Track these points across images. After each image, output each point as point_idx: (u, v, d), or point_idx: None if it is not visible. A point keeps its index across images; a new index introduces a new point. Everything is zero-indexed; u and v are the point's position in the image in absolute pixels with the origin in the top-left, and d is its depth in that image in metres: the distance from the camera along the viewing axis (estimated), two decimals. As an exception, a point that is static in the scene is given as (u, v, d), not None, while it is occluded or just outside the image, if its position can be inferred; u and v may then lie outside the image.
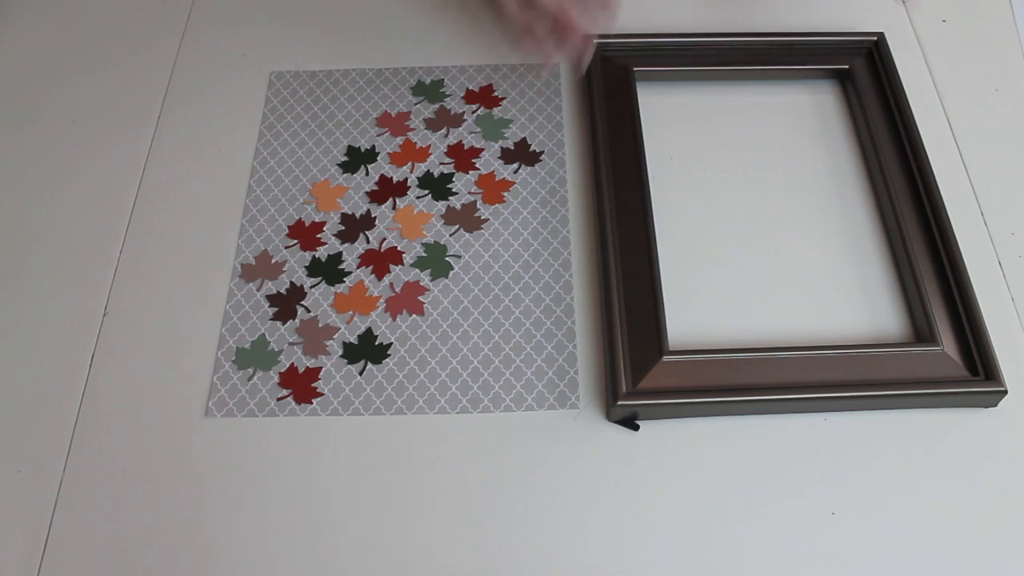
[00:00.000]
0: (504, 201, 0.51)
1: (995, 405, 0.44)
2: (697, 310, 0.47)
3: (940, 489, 0.42)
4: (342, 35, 0.59)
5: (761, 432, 0.43)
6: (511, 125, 0.54)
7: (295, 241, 0.50)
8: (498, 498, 0.42)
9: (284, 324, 0.47)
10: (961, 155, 0.53)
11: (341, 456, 0.43)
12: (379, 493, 0.42)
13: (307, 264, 0.49)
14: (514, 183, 0.52)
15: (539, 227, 0.50)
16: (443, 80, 0.57)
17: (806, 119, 0.55)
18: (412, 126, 0.55)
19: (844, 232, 0.50)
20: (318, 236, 0.50)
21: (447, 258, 0.49)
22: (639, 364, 0.44)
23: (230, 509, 0.42)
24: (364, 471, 0.43)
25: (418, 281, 0.48)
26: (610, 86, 0.53)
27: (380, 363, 0.46)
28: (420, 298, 0.48)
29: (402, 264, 0.49)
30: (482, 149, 0.54)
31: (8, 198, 0.53)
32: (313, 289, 0.48)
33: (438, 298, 0.48)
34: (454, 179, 0.52)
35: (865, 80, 0.54)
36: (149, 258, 0.50)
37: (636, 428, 0.43)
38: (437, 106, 0.56)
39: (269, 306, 0.48)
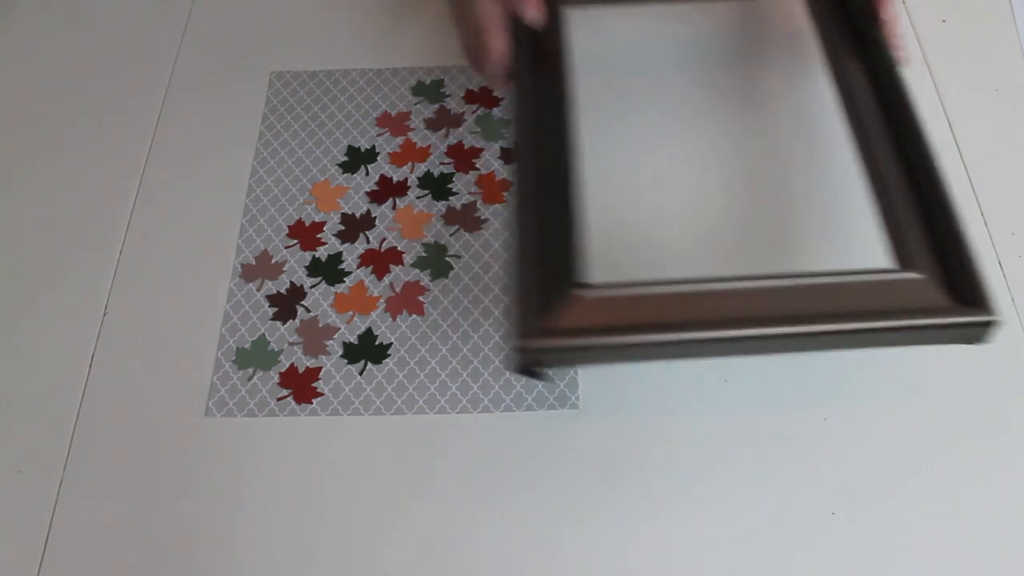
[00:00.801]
0: (504, 201, 0.51)
1: (985, 340, 0.38)
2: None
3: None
4: (342, 35, 0.59)
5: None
6: (511, 125, 0.54)
7: (295, 241, 0.50)
8: (498, 498, 0.42)
9: (284, 324, 0.47)
10: (961, 155, 0.52)
11: (341, 456, 0.43)
12: (379, 493, 0.42)
13: (307, 264, 0.49)
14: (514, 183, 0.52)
15: (539, 227, 0.50)
16: (443, 80, 0.57)
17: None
18: (412, 126, 0.55)
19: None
20: (318, 236, 0.50)
21: (447, 258, 0.49)
22: (552, 302, 0.37)
23: (230, 509, 0.42)
24: (364, 471, 0.43)
25: (418, 281, 0.48)
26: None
27: (380, 363, 0.46)
28: (420, 298, 0.48)
29: (402, 264, 0.49)
30: (482, 149, 0.54)
31: (8, 198, 0.53)
32: (313, 289, 0.48)
33: (438, 298, 0.48)
34: (454, 179, 0.52)
35: None
36: (149, 258, 0.50)
37: (541, 378, 0.38)
38: (437, 106, 0.56)
39: (269, 306, 0.48)
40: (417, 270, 0.49)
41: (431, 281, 0.48)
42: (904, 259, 0.39)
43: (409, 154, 0.53)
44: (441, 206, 0.51)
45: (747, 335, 0.36)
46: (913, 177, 0.41)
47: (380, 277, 0.49)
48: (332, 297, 0.48)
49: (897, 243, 0.39)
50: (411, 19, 0.55)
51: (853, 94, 0.46)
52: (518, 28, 0.47)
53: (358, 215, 0.51)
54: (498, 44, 0.47)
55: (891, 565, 0.40)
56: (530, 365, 0.37)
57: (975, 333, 0.38)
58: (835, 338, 0.37)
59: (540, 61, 0.47)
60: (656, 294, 0.37)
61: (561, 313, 0.36)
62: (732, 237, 0.46)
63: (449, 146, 0.54)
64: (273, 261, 0.49)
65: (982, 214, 0.50)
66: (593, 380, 0.45)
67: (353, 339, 0.47)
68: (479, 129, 0.54)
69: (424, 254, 0.49)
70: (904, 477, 0.42)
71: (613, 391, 0.44)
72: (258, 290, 0.49)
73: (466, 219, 0.51)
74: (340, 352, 0.46)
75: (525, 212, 0.39)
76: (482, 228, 0.50)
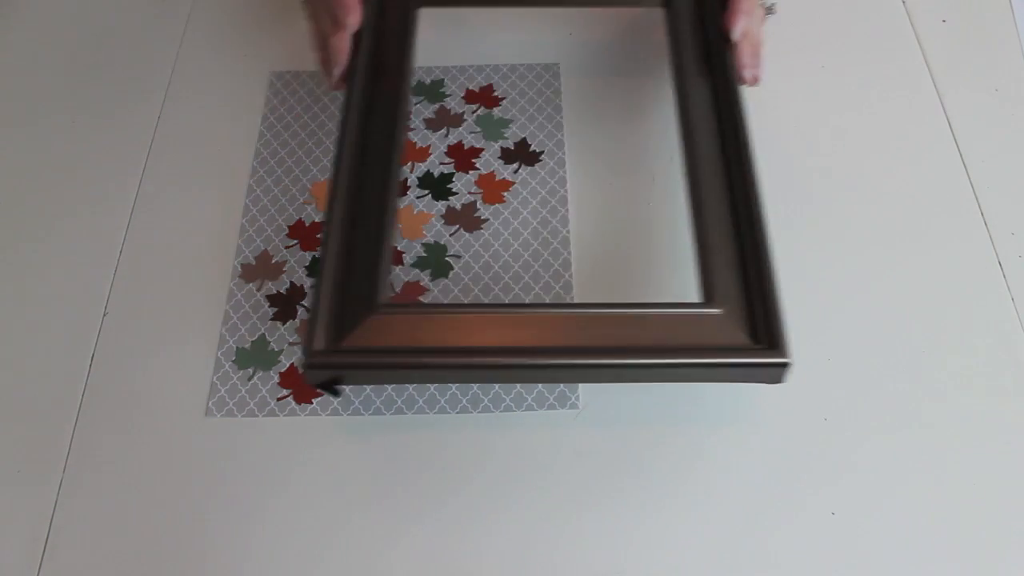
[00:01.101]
0: (504, 201, 0.51)
1: (780, 380, 0.38)
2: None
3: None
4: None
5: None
6: (511, 125, 0.54)
7: (295, 241, 0.50)
8: (497, 497, 0.42)
9: (284, 324, 0.47)
10: (961, 155, 0.53)
11: (341, 456, 0.43)
12: (379, 493, 0.42)
13: (307, 264, 0.49)
14: (514, 183, 0.52)
15: (539, 227, 0.50)
16: (443, 80, 0.57)
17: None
18: (412, 126, 0.55)
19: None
20: (318, 236, 0.50)
21: (447, 258, 0.49)
22: (347, 320, 0.37)
23: (230, 509, 0.42)
24: (364, 471, 0.43)
25: (418, 281, 0.48)
26: (388, 7, 0.49)
27: (380, 363, 0.46)
28: (420, 298, 0.48)
29: (402, 264, 0.49)
30: (482, 149, 0.54)
31: (8, 198, 0.53)
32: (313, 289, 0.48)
33: (438, 298, 0.48)
34: (454, 179, 0.52)
35: (687, 10, 0.49)
36: (149, 258, 0.50)
37: (337, 394, 0.38)
38: (437, 106, 0.56)
39: (269, 306, 0.48)
40: (417, 270, 0.49)
41: (431, 281, 0.48)
42: (708, 294, 0.38)
43: (409, 154, 0.53)
44: (441, 206, 0.51)
45: (533, 364, 0.36)
46: (735, 210, 0.40)
47: (380, 277, 0.49)
48: (332, 297, 0.48)
49: (705, 277, 0.38)
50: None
51: (692, 119, 0.44)
52: (360, 32, 0.47)
53: (358, 215, 0.51)
54: (353, 20, 0.46)
55: (891, 565, 0.40)
56: (325, 381, 0.38)
57: (770, 373, 0.37)
58: (620, 371, 0.37)
59: (380, 65, 0.47)
60: (451, 318, 0.37)
61: (356, 333, 0.37)
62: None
63: (449, 146, 0.54)
64: (273, 261, 0.49)
65: (982, 214, 0.50)
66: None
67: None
68: (479, 129, 0.54)
69: (424, 254, 0.49)
70: (905, 477, 0.42)
71: (613, 391, 0.44)
72: (258, 290, 0.49)
73: (466, 219, 0.51)
74: (340, 352, 0.46)
75: (333, 231, 0.39)
76: (482, 228, 0.50)
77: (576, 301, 0.41)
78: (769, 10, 0.52)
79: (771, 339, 0.36)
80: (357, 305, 0.37)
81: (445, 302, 0.38)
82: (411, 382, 0.38)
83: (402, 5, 0.49)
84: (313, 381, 0.38)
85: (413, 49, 0.47)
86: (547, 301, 0.46)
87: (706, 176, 0.41)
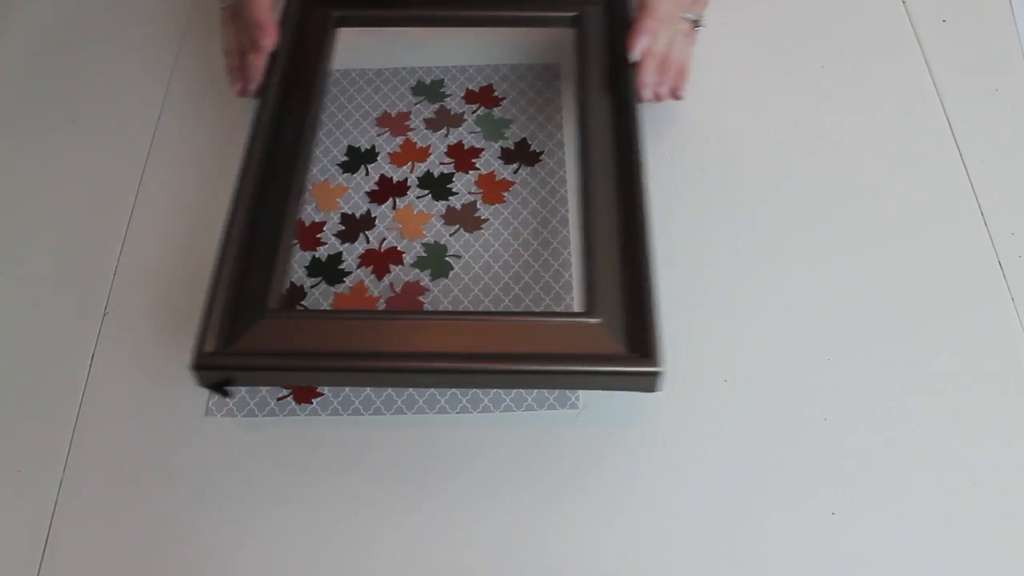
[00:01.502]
0: (504, 201, 0.51)
1: (654, 389, 0.38)
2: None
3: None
4: (342, 35, 0.59)
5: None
6: (511, 125, 0.54)
7: (295, 241, 0.50)
8: (498, 497, 0.42)
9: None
10: (961, 155, 0.52)
11: (341, 456, 0.43)
12: (379, 492, 0.42)
13: (307, 264, 0.49)
14: (514, 183, 0.52)
15: (539, 227, 0.50)
16: (443, 80, 0.57)
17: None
18: (412, 126, 0.55)
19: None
20: (318, 236, 0.50)
21: (447, 258, 0.49)
22: (239, 325, 0.38)
23: (230, 508, 0.42)
24: (364, 471, 0.43)
25: (418, 281, 0.48)
26: (309, 26, 0.50)
27: (380, 363, 0.46)
28: (420, 298, 0.48)
29: (402, 264, 0.49)
30: (482, 149, 0.53)
31: (8, 198, 0.53)
32: (313, 289, 0.48)
33: (438, 298, 0.48)
34: (454, 179, 0.52)
35: (596, 30, 0.50)
36: (149, 258, 0.50)
37: (227, 395, 0.39)
38: (437, 106, 0.55)
39: (269, 306, 0.48)
40: (417, 270, 0.49)
41: (431, 281, 0.48)
42: (590, 304, 0.39)
43: (409, 154, 0.53)
44: (441, 206, 0.51)
45: (411, 368, 0.37)
46: (624, 226, 0.41)
47: (380, 277, 0.49)
48: (332, 297, 0.48)
49: (588, 288, 0.39)
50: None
51: (590, 135, 0.46)
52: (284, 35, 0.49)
53: (358, 215, 0.51)
54: (269, 43, 0.48)
55: (891, 565, 0.40)
56: (215, 382, 0.38)
57: (644, 381, 0.37)
58: (497, 377, 0.38)
59: (294, 81, 0.48)
60: (338, 323, 0.38)
61: (246, 337, 0.38)
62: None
63: (449, 146, 0.54)
64: (273, 261, 0.49)
65: (982, 214, 0.50)
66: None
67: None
68: (479, 129, 0.54)
69: (424, 254, 0.49)
70: (905, 477, 0.42)
71: (613, 391, 0.44)
72: (258, 290, 0.49)
73: (466, 219, 0.51)
74: (340, 352, 0.46)
75: (230, 239, 0.40)
76: (482, 228, 0.50)
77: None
78: (696, 23, 0.53)
79: (645, 349, 0.37)
80: (249, 310, 0.39)
81: (333, 309, 0.40)
82: (296, 383, 0.39)
83: (322, 23, 0.51)
84: (202, 382, 0.39)
85: (330, 65, 0.50)
86: (546, 300, 0.46)
87: (598, 193, 0.43)
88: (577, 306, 0.43)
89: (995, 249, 0.49)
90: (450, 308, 0.47)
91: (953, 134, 0.53)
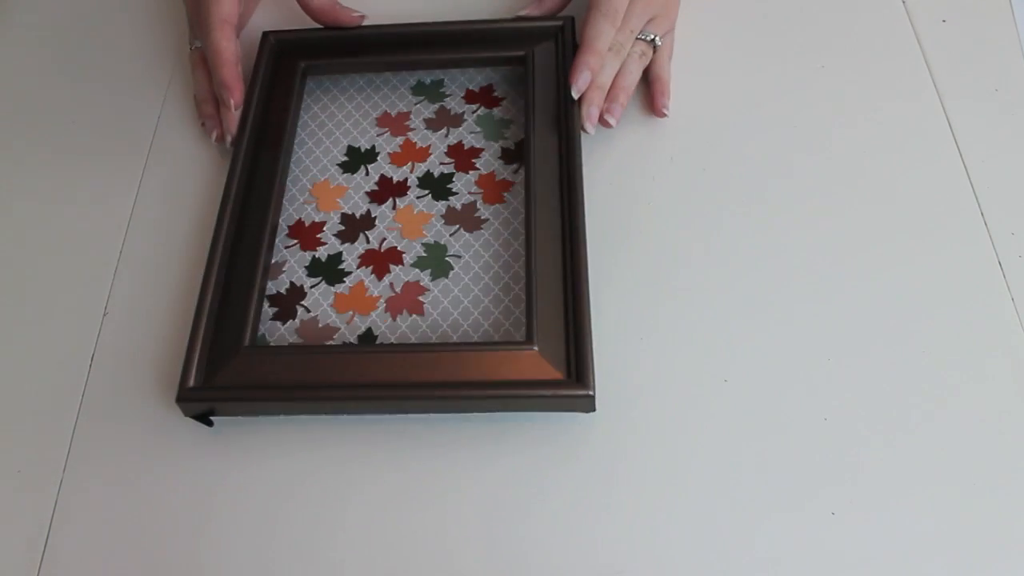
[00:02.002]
0: (504, 201, 0.51)
1: (592, 409, 0.42)
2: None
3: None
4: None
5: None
6: (511, 125, 0.54)
7: (295, 241, 0.50)
8: (498, 498, 0.42)
9: (284, 324, 0.47)
10: (961, 155, 0.52)
11: (341, 456, 0.43)
12: (379, 493, 0.42)
13: (307, 264, 0.49)
14: (514, 183, 0.52)
15: (539, 227, 0.50)
16: (443, 80, 0.57)
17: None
18: (412, 126, 0.55)
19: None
20: (318, 236, 0.50)
21: (447, 258, 0.49)
22: (218, 359, 0.43)
23: (230, 509, 0.42)
24: (364, 471, 0.43)
25: (418, 281, 0.48)
26: (277, 79, 0.54)
27: (380, 363, 0.46)
28: (420, 298, 0.48)
29: (402, 264, 0.49)
30: (482, 149, 0.53)
31: (8, 198, 0.53)
32: (313, 289, 0.48)
33: (438, 298, 0.48)
34: (454, 179, 0.52)
35: (546, 69, 0.52)
36: (149, 258, 0.50)
37: (210, 424, 0.43)
38: (437, 106, 0.55)
39: (269, 306, 0.48)
40: (417, 270, 0.49)
41: (431, 281, 0.48)
42: (528, 333, 0.43)
43: (409, 154, 0.53)
44: (441, 206, 0.51)
45: (372, 396, 0.42)
46: (564, 258, 0.45)
47: (380, 277, 0.49)
48: (332, 297, 0.48)
49: (528, 318, 0.44)
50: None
51: (535, 173, 0.48)
52: (257, 79, 0.52)
53: (358, 215, 0.51)
54: (236, 101, 0.51)
55: (891, 565, 0.40)
56: (199, 413, 0.43)
57: (580, 403, 0.42)
58: (448, 403, 0.42)
59: (267, 127, 0.52)
60: (309, 358, 0.43)
61: (225, 371, 0.43)
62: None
63: (449, 146, 0.54)
64: (273, 261, 0.49)
65: (982, 214, 0.50)
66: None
67: (353, 339, 0.46)
68: (479, 129, 0.54)
69: (424, 254, 0.49)
70: (905, 477, 0.42)
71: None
72: (258, 290, 0.49)
73: (466, 219, 0.51)
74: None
75: (210, 279, 0.45)
76: (482, 228, 0.50)
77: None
78: (652, 43, 0.53)
79: (579, 374, 0.41)
80: (227, 346, 0.43)
81: (301, 345, 0.45)
82: (273, 414, 0.43)
83: (291, 74, 0.54)
84: (187, 413, 0.43)
85: (299, 111, 0.54)
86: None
87: (541, 224, 0.46)
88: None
89: (995, 249, 0.49)
90: (447, 303, 0.47)
91: (953, 134, 0.53)
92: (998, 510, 0.41)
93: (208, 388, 0.42)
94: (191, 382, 0.42)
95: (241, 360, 0.43)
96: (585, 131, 0.51)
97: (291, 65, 0.54)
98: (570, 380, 0.42)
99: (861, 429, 0.43)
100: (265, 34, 0.55)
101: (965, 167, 0.52)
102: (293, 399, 0.42)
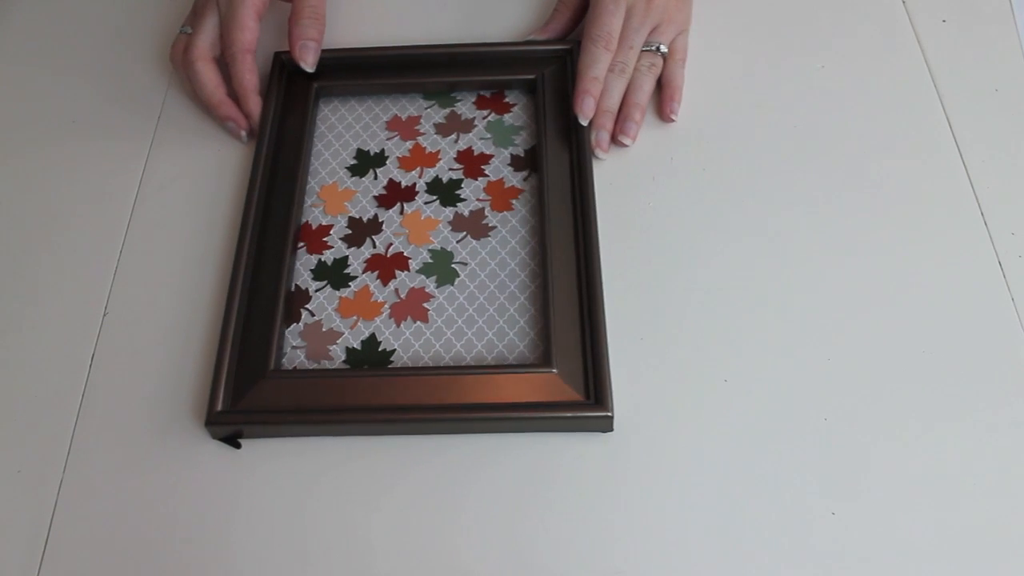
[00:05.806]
0: (513, 209, 0.51)
1: (610, 429, 0.43)
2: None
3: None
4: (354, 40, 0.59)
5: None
6: (521, 132, 0.54)
7: (301, 244, 0.50)
8: (499, 500, 0.42)
9: (288, 327, 0.47)
10: (961, 155, 0.53)
11: (341, 457, 0.43)
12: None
13: (312, 267, 0.49)
14: (523, 190, 0.52)
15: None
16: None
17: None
18: (422, 131, 0.54)
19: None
20: (324, 239, 0.50)
21: (453, 265, 0.49)
22: (244, 384, 0.44)
23: (230, 509, 0.42)
24: (364, 473, 0.43)
25: (423, 287, 0.48)
26: (290, 101, 0.54)
27: (383, 370, 0.45)
28: (425, 304, 0.47)
29: (408, 270, 0.49)
30: (492, 155, 0.53)
31: (8, 198, 0.53)
32: (318, 293, 0.48)
33: (443, 305, 0.47)
34: (463, 185, 0.52)
35: (553, 92, 0.53)
36: (149, 258, 0.50)
37: (238, 446, 0.43)
38: (448, 111, 0.55)
39: (273, 308, 0.48)
40: (423, 276, 0.49)
41: (436, 288, 0.48)
42: (547, 357, 0.44)
43: (418, 159, 0.53)
44: (449, 212, 0.51)
45: (396, 419, 0.43)
46: (580, 281, 0.46)
47: (385, 282, 0.48)
48: (337, 301, 0.48)
49: (545, 342, 0.44)
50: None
51: (548, 193, 0.49)
52: (270, 104, 0.53)
53: (365, 219, 0.51)
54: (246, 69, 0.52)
55: (891, 565, 0.40)
56: (227, 435, 0.43)
57: (599, 423, 0.43)
58: (469, 424, 0.43)
59: (283, 146, 0.52)
60: (330, 381, 0.44)
61: (250, 395, 0.43)
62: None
63: (459, 152, 0.53)
64: (280, 265, 0.49)
65: (982, 214, 0.50)
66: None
67: (356, 345, 0.46)
68: (489, 135, 0.54)
69: (430, 260, 0.49)
70: (904, 477, 0.42)
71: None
72: (261, 291, 0.48)
73: (474, 226, 0.50)
74: (343, 357, 0.46)
75: (233, 308, 0.45)
76: (489, 235, 0.50)
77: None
78: (657, 50, 0.53)
79: (598, 396, 0.42)
80: (252, 371, 0.44)
81: (322, 369, 0.45)
82: (297, 435, 0.43)
83: (305, 94, 0.54)
84: (215, 436, 0.44)
85: (313, 137, 0.54)
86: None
87: (556, 248, 0.47)
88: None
89: (995, 249, 0.49)
90: (451, 311, 0.47)
91: (953, 134, 0.53)
92: (998, 510, 0.41)
93: (235, 412, 0.43)
94: (219, 406, 0.43)
95: (267, 384, 0.43)
96: (596, 157, 0.51)
97: (305, 86, 0.54)
98: (589, 402, 0.42)
99: (861, 429, 0.43)
100: (277, 55, 0.55)
101: (965, 167, 0.52)
102: (316, 422, 0.43)
